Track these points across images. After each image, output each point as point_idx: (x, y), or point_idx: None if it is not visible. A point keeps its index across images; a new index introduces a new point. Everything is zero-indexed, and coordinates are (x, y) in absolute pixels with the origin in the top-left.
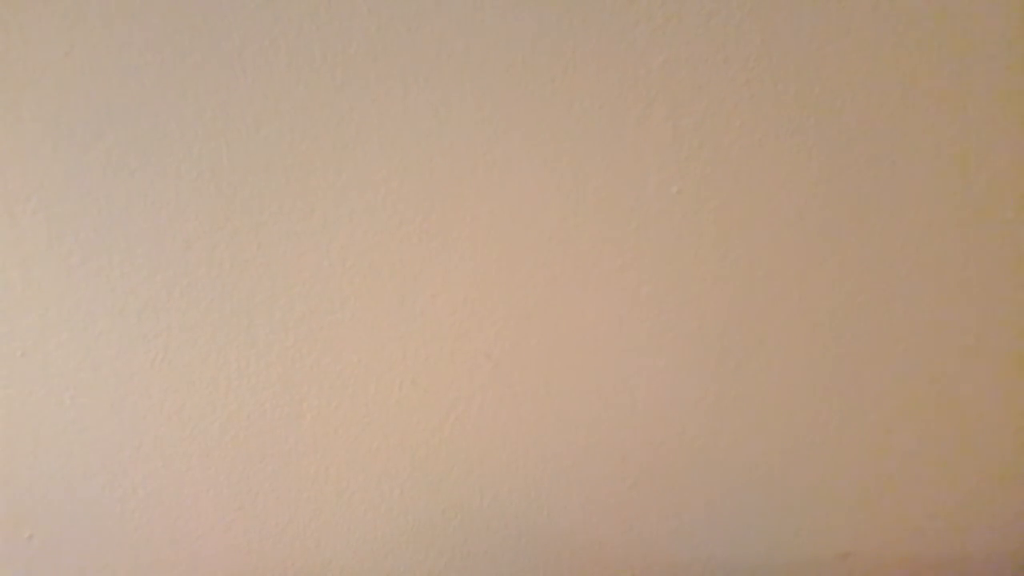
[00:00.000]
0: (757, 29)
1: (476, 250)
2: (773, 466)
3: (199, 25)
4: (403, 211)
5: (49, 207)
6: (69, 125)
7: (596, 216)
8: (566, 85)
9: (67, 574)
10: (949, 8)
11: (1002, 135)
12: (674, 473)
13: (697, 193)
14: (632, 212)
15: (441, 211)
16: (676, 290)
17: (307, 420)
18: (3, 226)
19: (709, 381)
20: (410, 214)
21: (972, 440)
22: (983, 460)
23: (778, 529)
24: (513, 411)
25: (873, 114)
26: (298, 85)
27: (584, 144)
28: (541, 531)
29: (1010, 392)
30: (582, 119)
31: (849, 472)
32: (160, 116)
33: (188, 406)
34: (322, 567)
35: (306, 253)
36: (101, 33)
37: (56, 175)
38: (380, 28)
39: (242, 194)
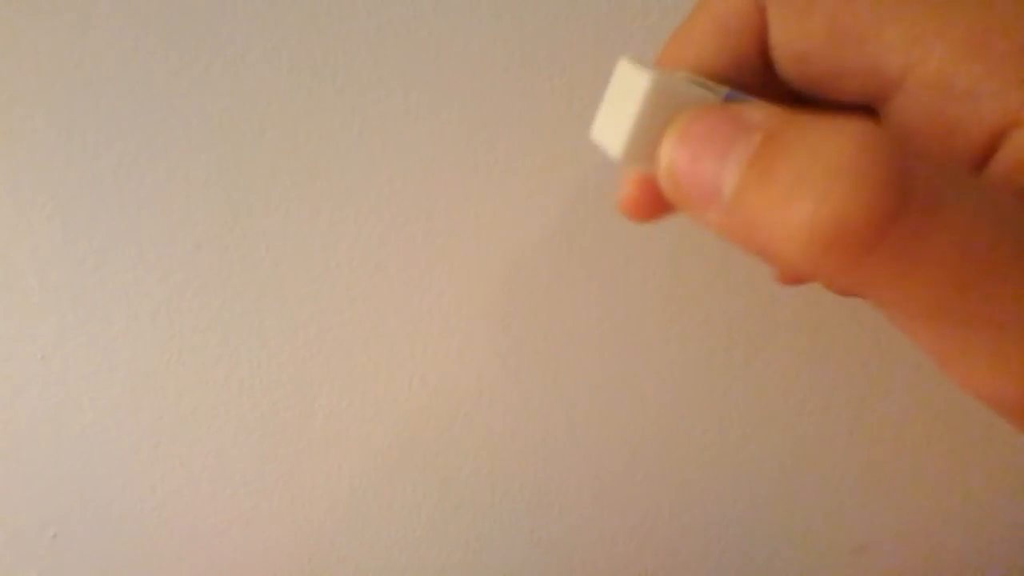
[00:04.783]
0: None
1: (481, 248)
2: (784, 458)
3: (202, 35)
4: (407, 210)
5: (64, 214)
6: (81, 134)
7: (600, 212)
8: (565, 83)
9: (91, 571)
10: None
11: None
12: (684, 468)
13: None
14: None
15: (446, 209)
16: (683, 285)
17: (319, 419)
18: (20, 233)
19: (717, 375)
20: (415, 213)
21: (990, 430)
22: (1000, 452)
23: (790, 522)
24: (522, 408)
25: None
26: (300, 89)
27: (586, 139)
28: (552, 527)
29: None
30: (582, 116)
31: (863, 461)
32: (167, 123)
33: (203, 406)
34: (336, 563)
35: (313, 254)
36: (108, 45)
37: (70, 182)
38: (380, 30)
39: (249, 198)
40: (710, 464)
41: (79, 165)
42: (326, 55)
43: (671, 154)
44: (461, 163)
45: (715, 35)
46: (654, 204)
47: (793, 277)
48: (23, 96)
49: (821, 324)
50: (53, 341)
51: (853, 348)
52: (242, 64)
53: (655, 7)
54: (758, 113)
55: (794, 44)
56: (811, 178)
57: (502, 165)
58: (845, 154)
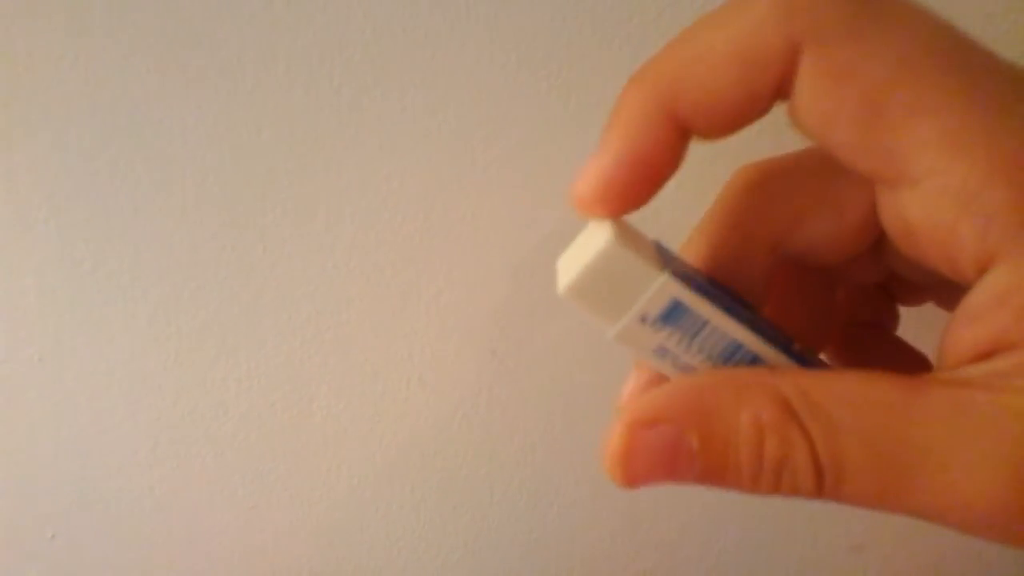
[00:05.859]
0: None
1: (479, 247)
2: None
3: (198, 34)
4: (404, 210)
5: (60, 216)
6: (77, 135)
7: None
8: (562, 81)
9: (90, 572)
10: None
11: None
12: None
13: (696, 186)
14: None
15: (443, 209)
16: None
17: (317, 419)
18: (18, 235)
19: None
20: (412, 213)
21: None
22: None
23: (788, 521)
24: (521, 408)
25: None
26: (296, 89)
27: (583, 139)
28: (551, 527)
29: None
30: (579, 114)
31: None
32: (163, 124)
33: (200, 407)
34: (336, 564)
35: (311, 254)
36: (104, 45)
37: (65, 184)
38: (376, 30)
39: (246, 198)
40: None
41: (76, 167)
42: (322, 54)
43: (626, 476)
44: (458, 162)
45: (734, 66)
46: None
47: None
48: (18, 98)
49: None
50: (51, 342)
51: None
52: (238, 64)
53: (652, 5)
54: (678, 403)
55: (821, 107)
56: (764, 475)
57: (499, 164)
58: (777, 456)
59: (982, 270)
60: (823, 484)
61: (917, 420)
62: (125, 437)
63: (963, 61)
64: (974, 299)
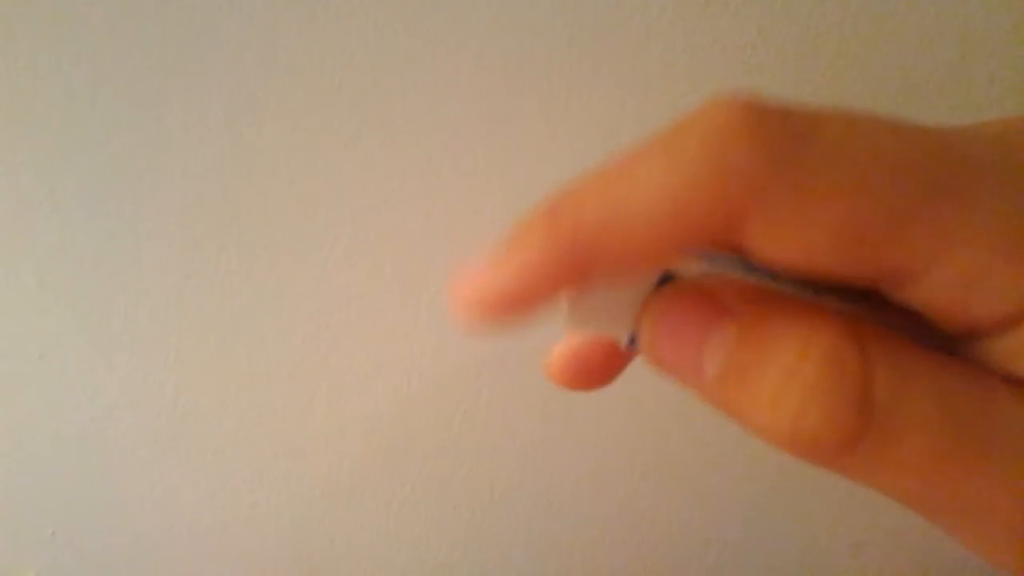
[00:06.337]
0: (754, 18)
1: (479, 246)
2: (782, 455)
3: (200, 32)
4: (405, 209)
5: (61, 213)
6: (79, 132)
7: None
8: (564, 80)
9: (91, 569)
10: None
11: None
12: (683, 466)
13: None
14: None
15: (443, 207)
16: None
17: (318, 418)
18: (19, 232)
19: None
20: (412, 211)
21: None
22: None
23: (789, 519)
24: (520, 406)
25: (871, 104)
26: (298, 87)
27: (584, 138)
28: (550, 526)
29: None
30: (581, 113)
31: None
32: (165, 121)
33: (201, 405)
34: (335, 563)
35: (311, 253)
36: (105, 43)
37: (67, 181)
38: (377, 28)
39: (246, 197)
40: (709, 462)
41: (77, 164)
42: (324, 53)
43: (651, 336)
44: (459, 161)
45: (662, 232)
46: (588, 375)
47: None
48: (21, 96)
49: None
50: (52, 340)
51: None
52: (240, 62)
53: (654, 5)
54: (733, 297)
55: (791, 249)
56: (787, 394)
57: (500, 163)
58: (817, 374)
59: (1006, 330)
60: (863, 426)
61: (1008, 407)
62: (125, 434)
63: (915, 151)
64: (1005, 348)
